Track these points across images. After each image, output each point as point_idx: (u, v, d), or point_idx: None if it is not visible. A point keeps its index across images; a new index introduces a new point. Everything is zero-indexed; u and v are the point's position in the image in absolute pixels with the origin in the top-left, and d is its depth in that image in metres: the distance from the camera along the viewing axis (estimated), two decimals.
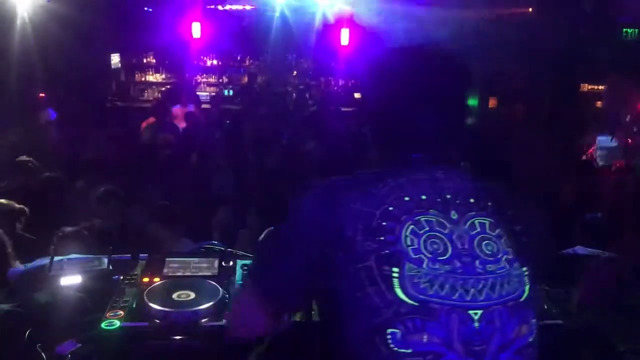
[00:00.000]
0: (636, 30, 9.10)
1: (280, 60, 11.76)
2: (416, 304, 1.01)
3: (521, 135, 6.64)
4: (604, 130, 5.85)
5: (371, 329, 1.01)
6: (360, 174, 1.16)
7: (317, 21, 10.72)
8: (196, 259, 2.01)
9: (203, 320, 1.65)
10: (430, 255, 1.04)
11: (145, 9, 10.12)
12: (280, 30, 11.11)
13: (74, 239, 3.29)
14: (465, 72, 1.23)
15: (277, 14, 10.88)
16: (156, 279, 1.86)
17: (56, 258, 1.98)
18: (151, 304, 1.67)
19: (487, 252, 1.07)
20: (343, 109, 9.41)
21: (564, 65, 8.55)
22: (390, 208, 1.07)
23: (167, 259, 2.00)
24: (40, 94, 8.44)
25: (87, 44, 8.96)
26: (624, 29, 9.18)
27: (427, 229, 1.06)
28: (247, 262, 1.99)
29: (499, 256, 1.08)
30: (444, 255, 1.05)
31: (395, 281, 1.01)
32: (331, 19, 10.61)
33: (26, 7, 8.14)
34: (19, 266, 2.38)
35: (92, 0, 8.29)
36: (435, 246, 1.05)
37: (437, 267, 1.03)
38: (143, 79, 11.84)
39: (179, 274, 1.93)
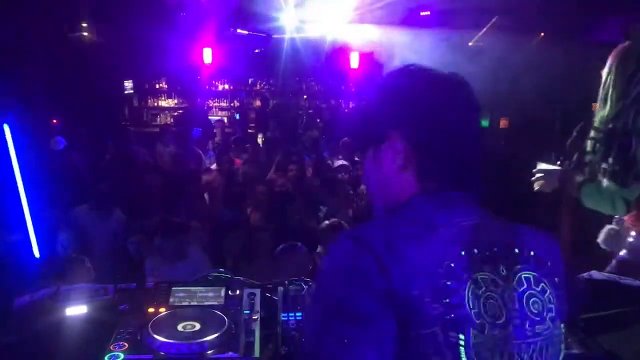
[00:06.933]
0: None
1: (291, 84, 11.86)
2: None
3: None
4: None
5: None
6: (391, 218, 1.05)
7: (327, 45, 10.81)
8: (202, 288, 1.98)
9: (209, 352, 1.61)
10: (489, 320, 0.96)
11: None
12: (291, 54, 11.22)
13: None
14: (477, 97, 1.12)
15: (287, 39, 11.00)
16: (162, 309, 1.83)
17: (63, 287, 1.97)
18: (156, 336, 1.63)
19: (535, 311, 1.01)
20: None
21: (575, 85, 8.51)
22: (452, 264, 0.96)
23: (172, 287, 1.98)
24: (54, 120, 8.54)
25: (100, 70, 9.08)
26: None
27: (484, 288, 0.98)
28: (254, 290, 1.95)
29: (544, 314, 1.02)
30: (500, 319, 0.98)
31: (462, 350, 0.93)
32: (340, 42, 10.69)
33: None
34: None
35: (104, 26, 8.41)
36: (493, 309, 0.97)
37: (495, 333, 0.96)
38: (155, 104, 11.99)
39: (184, 303, 1.90)
